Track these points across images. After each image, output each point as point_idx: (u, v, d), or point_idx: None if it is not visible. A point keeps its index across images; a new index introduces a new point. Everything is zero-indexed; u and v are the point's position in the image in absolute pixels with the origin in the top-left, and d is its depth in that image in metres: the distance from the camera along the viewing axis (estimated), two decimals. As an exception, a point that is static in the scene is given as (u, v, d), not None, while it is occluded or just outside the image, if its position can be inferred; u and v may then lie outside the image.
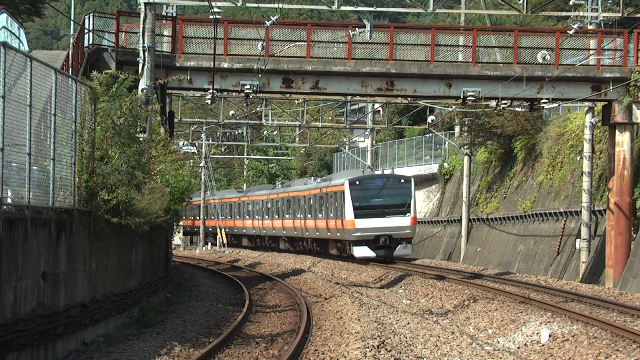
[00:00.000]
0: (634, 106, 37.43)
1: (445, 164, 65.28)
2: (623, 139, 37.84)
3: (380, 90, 37.43)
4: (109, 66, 33.56)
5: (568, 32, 35.29)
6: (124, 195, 22.39)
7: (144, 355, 19.64)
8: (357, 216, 51.30)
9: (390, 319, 26.66)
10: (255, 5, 34.61)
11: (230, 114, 61.91)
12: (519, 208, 50.67)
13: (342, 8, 35.96)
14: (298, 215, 62.70)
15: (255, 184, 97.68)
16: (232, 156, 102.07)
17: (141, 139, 27.16)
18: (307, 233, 61.15)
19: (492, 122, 52.40)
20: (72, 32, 40.15)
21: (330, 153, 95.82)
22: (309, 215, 60.00)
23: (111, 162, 22.73)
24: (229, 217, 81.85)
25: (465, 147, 56.53)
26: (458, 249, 58.22)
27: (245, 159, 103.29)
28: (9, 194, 16.59)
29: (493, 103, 38.50)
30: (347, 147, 79.89)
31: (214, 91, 36.63)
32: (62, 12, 51.48)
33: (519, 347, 21.77)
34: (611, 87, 37.32)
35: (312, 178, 65.56)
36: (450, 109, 53.58)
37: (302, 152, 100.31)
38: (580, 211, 42.82)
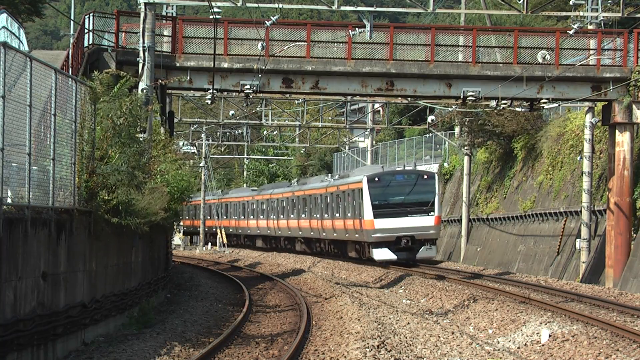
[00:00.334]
0: (634, 106, 37.43)
1: (445, 164, 65.29)
2: (623, 139, 37.84)
3: (380, 90, 37.43)
4: (109, 66, 33.57)
5: (568, 32, 35.30)
6: (124, 196, 22.38)
7: (144, 355, 19.64)
8: (376, 216, 47.68)
9: (390, 319, 26.65)
10: (255, 5, 34.61)
11: (230, 114, 61.93)
12: (519, 208, 50.68)
13: (342, 8, 35.97)
14: (315, 215, 58.87)
15: (255, 184, 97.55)
16: (232, 156, 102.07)
17: (141, 139, 27.16)
18: (324, 234, 57.44)
19: (492, 122, 52.38)
20: (72, 32, 40.19)
21: (330, 153, 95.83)
22: (326, 215, 56.26)
23: (111, 162, 22.73)
24: (242, 217, 77.75)
25: (465, 147, 56.52)
26: (458, 249, 58.24)
27: (245, 159, 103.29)
28: (9, 194, 16.58)
29: (493, 103, 38.51)
30: (347, 147, 79.88)
31: (214, 91, 36.63)
32: (62, 12, 51.48)
33: (519, 347, 21.77)
34: (611, 87, 37.32)
35: (330, 175, 61.52)
36: (450, 109, 53.58)
37: (302, 152, 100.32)
38: (580, 211, 42.82)
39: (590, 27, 38.18)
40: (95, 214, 21.22)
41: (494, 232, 53.69)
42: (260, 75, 35.94)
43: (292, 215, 64.03)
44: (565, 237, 45.21)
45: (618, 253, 37.70)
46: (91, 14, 35.93)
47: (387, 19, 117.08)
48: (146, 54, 33.26)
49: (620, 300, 31.39)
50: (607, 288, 36.18)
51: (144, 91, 32.57)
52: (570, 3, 39.79)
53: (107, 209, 21.87)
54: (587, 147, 42.54)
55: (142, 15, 33.43)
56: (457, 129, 59.67)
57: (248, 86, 36.31)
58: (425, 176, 49.20)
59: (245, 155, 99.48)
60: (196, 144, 79.26)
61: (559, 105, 45.37)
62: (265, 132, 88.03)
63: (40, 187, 17.95)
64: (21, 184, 17.05)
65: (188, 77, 36.02)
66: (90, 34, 34.71)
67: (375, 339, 21.30)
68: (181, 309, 29.46)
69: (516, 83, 36.77)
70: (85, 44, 34.38)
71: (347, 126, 63.90)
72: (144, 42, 33.26)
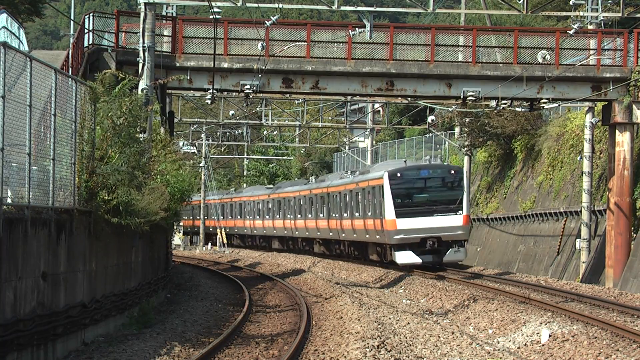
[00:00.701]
0: (634, 106, 37.43)
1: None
2: (623, 139, 37.85)
3: (380, 90, 37.43)
4: (109, 66, 33.57)
5: (568, 32, 35.30)
6: (124, 196, 22.38)
7: (144, 355, 19.64)
8: (398, 215, 43.56)
9: (390, 319, 26.65)
10: (255, 5, 34.62)
11: (230, 114, 61.94)
12: (519, 208, 50.67)
13: (342, 8, 35.98)
14: (333, 215, 54.65)
15: (255, 184, 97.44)
16: (232, 156, 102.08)
17: (141, 139, 27.16)
18: (343, 235, 53.22)
19: (492, 123, 52.35)
20: (72, 32, 40.19)
21: (330, 153, 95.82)
22: (345, 215, 52.05)
23: (111, 162, 22.73)
24: (257, 217, 73.15)
25: (465, 147, 56.51)
26: (458, 249, 58.15)
27: (245, 159, 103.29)
28: (9, 194, 16.58)
29: (493, 103, 38.51)
30: (347, 147, 79.89)
31: (214, 91, 36.63)
32: (62, 12, 51.49)
33: (519, 347, 21.77)
34: (611, 87, 37.32)
35: (349, 171, 56.84)
36: (450, 109, 53.58)
37: (302, 152, 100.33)
38: (580, 211, 42.82)
39: (590, 27, 38.19)
40: (95, 214, 21.22)
41: (494, 232, 53.69)
42: (260, 75, 35.94)
43: (309, 215, 60.11)
44: (565, 237, 45.21)
45: (618, 253, 37.70)
46: (91, 14, 35.94)
47: (387, 19, 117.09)
48: (146, 54, 33.26)
49: (620, 300, 31.38)
50: (607, 288, 36.18)
51: (144, 91, 32.57)
52: (570, 3, 39.81)
53: (107, 209, 21.86)
54: (587, 147, 42.54)
55: (142, 15, 33.43)
56: (457, 129, 59.67)
57: (248, 86, 36.32)
58: (453, 171, 45.44)
59: (245, 155, 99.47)
60: (196, 144, 79.27)
61: (559, 105, 45.37)
62: (265, 132, 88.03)
63: (40, 187, 17.95)
64: (21, 184, 17.05)
65: (188, 77, 36.02)
66: (90, 34, 34.72)
67: (375, 339, 21.30)
68: (181, 309, 29.45)
69: (516, 83, 36.77)
70: (85, 44, 34.39)
71: (347, 126, 63.90)
72: (144, 42, 33.27)
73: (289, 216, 64.95)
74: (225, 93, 45.33)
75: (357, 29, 35.69)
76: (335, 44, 36.62)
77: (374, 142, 70.10)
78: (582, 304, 29.77)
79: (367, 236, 48.12)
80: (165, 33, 36.01)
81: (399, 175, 44.52)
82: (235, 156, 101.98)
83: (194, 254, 73.02)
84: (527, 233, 49.28)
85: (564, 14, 43.06)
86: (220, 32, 35.88)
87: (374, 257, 48.63)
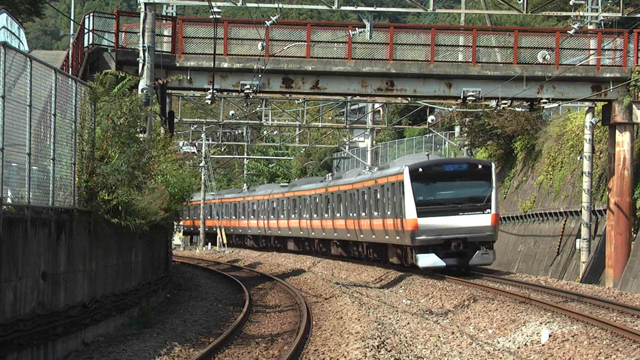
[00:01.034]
0: (634, 106, 37.44)
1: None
2: (623, 139, 37.85)
3: (380, 90, 37.44)
4: (109, 66, 33.59)
5: (568, 32, 35.30)
6: (124, 196, 22.39)
7: (144, 355, 19.64)
8: (420, 214, 39.94)
9: (390, 319, 26.66)
10: (255, 5, 34.63)
11: (230, 114, 61.96)
12: (519, 208, 50.67)
13: (342, 8, 35.99)
14: (351, 214, 51.12)
15: (255, 184, 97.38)
16: (232, 156, 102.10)
17: (141, 139, 27.17)
18: (361, 236, 49.55)
19: (492, 123, 52.35)
20: (72, 32, 40.20)
21: (330, 153, 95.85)
22: (364, 214, 48.50)
23: (111, 162, 22.74)
24: (272, 217, 69.47)
25: (465, 147, 56.51)
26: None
27: (245, 159, 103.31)
28: (9, 194, 16.59)
29: (493, 103, 38.53)
30: (347, 147, 79.91)
31: (214, 91, 36.64)
32: (62, 12, 51.51)
33: (519, 347, 21.77)
34: (611, 87, 37.33)
35: (367, 167, 53.45)
36: (450, 109, 53.58)
37: (302, 152, 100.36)
38: (580, 211, 42.83)
39: (590, 27, 38.19)
40: (95, 214, 21.22)
41: (494, 232, 53.62)
42: (260, 75, 35.94)
43: (326, 215, 56.49)
44: (565, 237, 45.21)
45: (618, 253, 37.70)
46: (91, 14, 35.96)
47: (387, 19, 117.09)
48: (146, 54, 33.27)
49: (620, 300, 31.37)
50: (607, 288, 36.17)
51: (144, 91, 32.58)
52: (570, 3, 39.83)
53: (107, 209, 21.87)
54: (587, 147, 42.55)
55: (142, 15, 33.44)
56: (457, 129, 59.69)
57: (248, 86, 36.32)
58: (480, 165, 41.51)
59: (245, 155, 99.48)
60: (196, 144, 79.27)
61: (559, 105, 45.38)
62: (265, 132, 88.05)
63: (40, 187, 17.96)
64: (21, 184, 17.05)
65: (188, 77, 36.03)
66: (90, 34, 34.73)
67: (375, 339, 21.30)
68: (181, 309, 29.46)
69: (516, 83, 36.77)
70: (85, 44, 34.40)
71: (347, 126, 63.91)
72: (144, 42, 33.27)
73: (304, 216, 61.51)
74: (225, 93, 45.33)
75: (357, 29, 35.70)
76: (335, 44, 36.63)
77: (374, 142, 70.09)
78: (582, 304, 29.76)
79: (387, 237, 44.67)
80: (165, 33, 36.02)
81: (420, 170, 40.86)
82: (235, 156, 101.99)
83: (194, 254, 73.03)
84: (527, 233, 49.27)
85: (564, 14, 43.08)
86: (220, 32, 35.88)
87: (394, 259, 45.02)
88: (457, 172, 41.08)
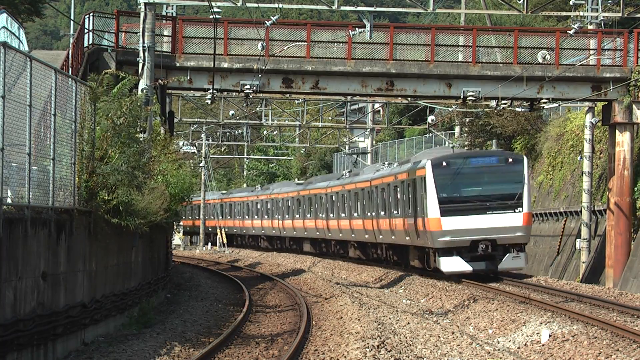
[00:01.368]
0: (634, 106, 37.44)
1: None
2: (623, 139, 37.85)
3: (380, 90, 37.45)
4: (109, 66, 33.60)
5: (568, 32, 35.31)
6: (124, 196, 22.40)
7: (144, 355, 19.64)
8: (444, 213, 36.64)
9: (390, 319, 26.66)
10: (255, 5, 34.63)
11: (230, 114, 61.97)
12: (519, 208, 50.57)
13: (342, 8, 36.00)
14: (369, 213, 47.60)
15: (255, 184, 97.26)
16: (232, 156, 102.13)
17: (141, 139, 27.18)
18: (380, 237, 45.99)
19: (492, 123, 52.36)
20: (72, 32, 40.23)
21: (330, 153, 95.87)
22: (382, 213, 44.90)
23: (111, 162, 22.74)
24: (287, 217, 65.69)
25: (466, 147, 56.52)
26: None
27: (245, 159, 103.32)
28: (9, 194, 16.59)
29: (493, 103, 38.53)
30: (347, 147, 79.92)
31: (214, 91, 36.65)
32: (62, 12, 51.52)
33: (519, 347, 21.77)
34: (611, 87, 37.33)
35: (387, 163, 49.53)
36: (450, 109, 53.58)
37: (302, 152, 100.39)
38: (580, 211, 42.83)
39: (590, 27, 38.20)
40: (95, 214, 21.23)
41: (494, 232, 53.51)
42: (260, 75, 35.95)
43: (343, 214, 52.86)
44: (565, 237, 45.20)
45: (618, 253, 37.70)
46: (91, 14, 35.97)
47: (387, 19, 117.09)
48: (146, 54, 33.27)
49: (620, 300, 31.37)
50: (607, 288, 36.17)
51: (144, 91, 32.59)
52: (570, 3, 39.83)
53: (107, 209, 21.88)
54: (587, 147, 42.55)
55: (142, 15, 33.45)
56: (457, 129, 59.70)
57: (248, 86, 36.33)
58: (511, 159, 37.96)
59: (245, 155, 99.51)
60: (196, 144, 79.28)
61: (559, 105, 45.38)
62: (265, 132, 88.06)
63: (40, 187, 17.96)
64: (21, 184, 17.05)
65: (188, 77, 36.04)
66: (90, 34, 34.74)
67: (375, 339, 21.30)
68: (181, 309, 29.46)
69: (516, 83, 36.78)
70: (85, 44, 34.41)
71: (347, 126, 63.92)
72: (144, 42, 33.28)
73: (320, 215, 57.69)
74: (225, 93, 45.34)
75: (357, 29, 35.71)
76: (335, 44, 36.64)
77: (374, 142, 70.07)
78: (582, 304, 29.75)
79: (407, 238, 40.97)
80: (165, 33, 36.03)
81: (444, 164, 37.28)
82: (235, 156, 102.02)
83: (194, 254, 73.04)
84: (527, 233, 49.18)
85: (564, 14, 43.09)
86: (220, 32, 35.89)
87: (416, 263, 41.31)
88: (485, 166, 37.61)
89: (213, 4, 33.71)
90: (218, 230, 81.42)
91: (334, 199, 54.60)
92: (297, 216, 63.12)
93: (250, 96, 37.36)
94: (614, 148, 38.31)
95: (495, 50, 37.24)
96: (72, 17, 39.98)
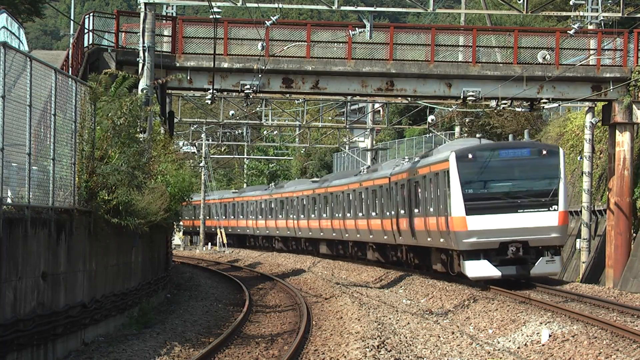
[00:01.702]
0: (634, 106, 37.44)
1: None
2: (623, 139, 37.85)
3: (380, 90, 37.45)
4: (109, 66, 33.61)
5: (568, 32, 35.31)
6: (124, 196, 22.40)
7: (144, 355, 19.64)
8: (470, 211, 33.21)
9: (390, 319, 26.66)
10: (255, 5, 34.63)
11: (230, 114, 61.95)
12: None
13: (342, 8, 36.00)
14: (387, 212, 44.15)
15: (255, 184, 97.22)
16: (232, 156, 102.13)
17: (141, 139, 27.18)
18: (400, 238, 42.48)
19: (492, 123, 52.37)
20: (72, 32, 40.21)
21: (330, 153, 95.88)
22: (402, 212, 41.32)
23: (111, 162, 22.75)
24: (302, 216, 62.14)
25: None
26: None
27: (245, 159, 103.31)
28: (9, 194, 16.59)
29: (493, 103, 38.52)
30: (347, 147, 79.94)
31: (214, 91, 36.65)
32: (62, 12, 51.52)
33: (519, 347, 21.77)
34: (611, 87, 37.33)
35: (407, 157, 45.84)
36: (450, 109, 53.58)
37: (302, 152, 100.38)
38: (580, 211, 42.82)
39: (590, 27, 38.20)
40: (95, 214, 21.23)
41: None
42: (260, 75, 35.96)
43: (360, 214, 49.38)
44: (565, 237, 45.16)
45: (618, 253, 37.70)
46: (91, 14, 35.98)
47: (387, 19, 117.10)
48: (146, 54, 33.27)
49: (620, 300, 31.37)
50: (607, 288, 36.16)
51: (144, 91, 32.59)
52: (570, 3, 39.84)
53: (107, 209, 21.88)
54: (587, 147, 42.56)
55: (142, 15, 33.45)
56: (457, 129, 59.71)
57: (248, 86, 36.33)
58: (545, 151, 34.54)
59: (245, 155, 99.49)
60: (196, 144, 79.27)
61: (559, 105, 45.37)
62: (265, 132, 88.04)
63: (40, 187, 17.96)
64: (21, 184, 17.06)
65: (188, 77, 36.05)
66: (90, 34, 34.75)
67: (375, 339, 21.30)
68: (181, 309, 29.46)
69: (516, 83, 36.78)
70: (85, 44, 34.41)
71: (347, 126, 63.91)
72: (144, 42, 33.28)
73: (337, 215, 54.20)
74: (225, 93, 45.34)
75: (357, 29, 35.71)
76: (335, 44, 36.64)
77: (374, 142, 70.07)
78: (582, 304, 29.76)
79: (429, 239, 37.46)
80: (165, 33, 36.03)
81: (470, 156, 33.89)
82: (235, 156, 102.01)
83: (194, 254, 73.04)
84: (527, 233, 49.04)
85: (564, 14, 43.09)
86: (220, 32, 35.89)
87: (438, 267, 37.85)
88: (517, 159, 34.11)
89: (213, 4, 33.71)
90: (218, 230, 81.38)
91: (350, 197, 51.24)
92: (313, 216, 59.79)
93: (250, 96, 37.36)
94: (614, 148, 38.30)
95: (495, 50, 37.24)
96: (72, 17, 39.97)
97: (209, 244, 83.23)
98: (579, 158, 44.67)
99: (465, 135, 56.54)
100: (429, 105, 54.45)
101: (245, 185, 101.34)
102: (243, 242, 79.92)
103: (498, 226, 33.22)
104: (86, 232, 20.87)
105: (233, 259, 66.02)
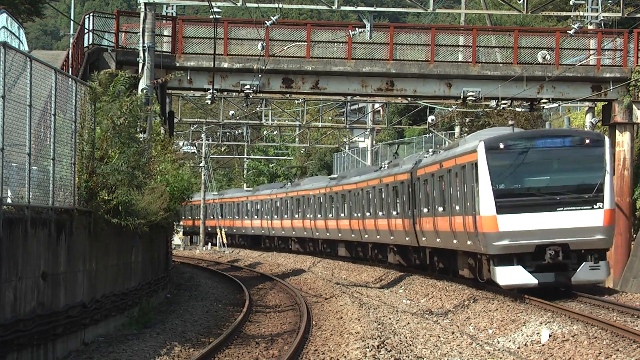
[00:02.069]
0: (634, 106, 37.45)
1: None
2: (623, 139, 37.86)
3: (380, 90, 37.46)
4: (109, 66, 33.63)
5: (568, 32, 35.32)
6: (124, 196, 22.41)
7: (144, 355, 19.64)
8: (501, 209, 29.02)
9: (390, 319, 26.65)
10: (255, 5, 34.64)
11: (230, 114, 61.95)
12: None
13: (342, 8, 36.01)
14: (409, 211, 40.17)
15: (255, 184, 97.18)
16: (232, 156, 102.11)
17: (141, 139, 27.18)
18: (424, 239, 38.47)
19: (492, 123, 52.32)
20: (72, 32, 40.19)
21: (330, 153, 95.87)
22: (425, 210, 37.38)
23: (111, 162, 22.75)
24: (319, 216, 57.98)
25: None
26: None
27: (245, 159, 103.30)
28: (9, 194, 16.59)
29: (493, 103, 38.54)
30: (347, 147, 79.92)
31: (214, 91, 36.66)
32: (62, 12, 51.51)
33: (519, 347, 21.77)
34: (611, 87, 37.34)
35: (431, 150, 41.71)
36: (450, 109, 53.59)
37: (302, 152, 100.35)
38: (580, 211, 42.70)
39: (590, 27, 38.20)
40: (95, 214, 21.23)
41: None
42: (260, 75, 35.97)
43: (380, 213, 45.30)
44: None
45: (618, 253, 37.69)
46: (91, 14, 35.99)
47: (387, 19, 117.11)
48: (146, 54, 33.28)
49: (620, 300, 31.34)
50: (607, 288, 36.17)
51: (144, 91, 32.59)
52: (570, 3, 39.82)
53: (107, 209, 21.88)
54: (587, 147, 42.50)
55: (142, 15, 33.45)
56: (457, 129, 59.69)
57: (248, 86, 36.34)
58: (588, 140, 29.99)
59: (245, 155, 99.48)
60: (196, 144, 79.26)
61: (559, 105, 45.37)
62: (265, 132, 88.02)
63: (40, 187, 17.97)
64: (21, 184, 17.06)
65: (188, 77, 36.06)
66: (90, 34, 34.75)
67: (375, 339, 21.30)
68: (181, 309, 29.46)
69: (516, 83, 36.78)
70: (85, 44, 34.42)
71: (347, 126, 63.92)
72: (144, 42, 33.29)
73: (355, 215, 50.15)
74: (225, 93, 45.35)
75: (357, 29, 35.72)
76: (335, 44, 36.65)
77: (374, 142, 70.06)
78: (582, 304, 29.74)
79: (455, 242, 33.34)
80: (165, 33, 36.04)
81: (501, 146, 29.55)
82: (235, 156, 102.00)
83: (194, 254, 73.05)
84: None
85: (564, 14, 43.09)
86: (220, 32, 35.90)
87: (465, 272, 33.94)
88: (555, 149, 29.76)
89: (213, 4, 33.72)
90: (218, 230, 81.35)
91: (370, 195, 47.07)
92: (330, 215, 55.59)
93: (250, 96, 37.38)
94: (614, 148, 38.29)
95: (495, 50, 37.25)
96: (72, 17, 39.96)
97: (209, 244, 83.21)
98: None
99: (465, 134, 56.47)
100: (429, 105, 54.44)
101: (245, 185, 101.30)
102: (257, 242, 76.71)
103: (534, 227, 29.15)
104: (86, 232, 20.87)
105: (233, 259, 66.02)
